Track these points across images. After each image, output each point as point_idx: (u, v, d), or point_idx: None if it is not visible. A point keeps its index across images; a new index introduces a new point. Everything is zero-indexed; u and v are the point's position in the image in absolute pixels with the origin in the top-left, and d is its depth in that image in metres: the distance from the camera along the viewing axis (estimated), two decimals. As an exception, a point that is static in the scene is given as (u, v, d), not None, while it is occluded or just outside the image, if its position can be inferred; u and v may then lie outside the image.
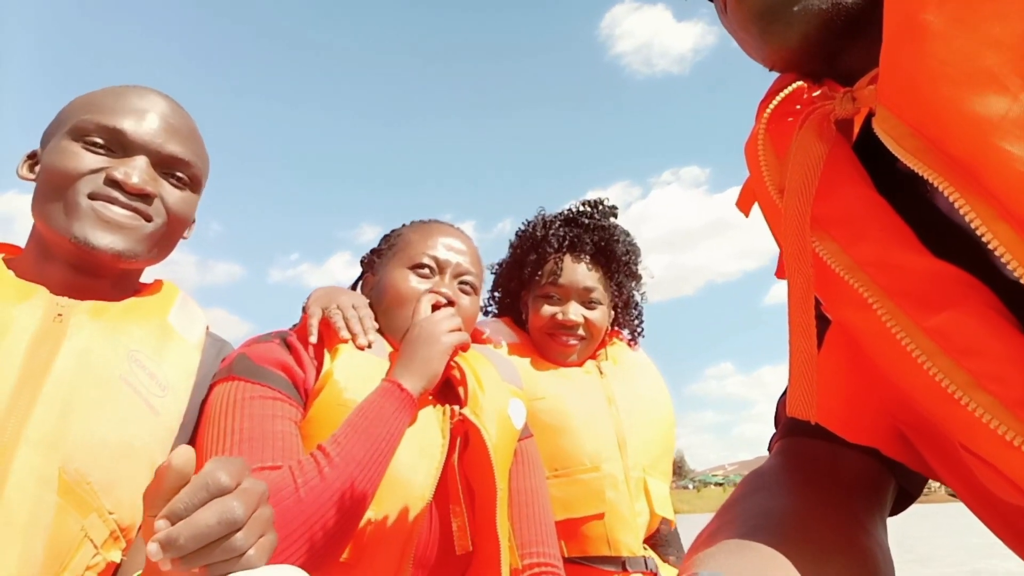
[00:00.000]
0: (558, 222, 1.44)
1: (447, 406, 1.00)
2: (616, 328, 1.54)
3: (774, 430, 0.63)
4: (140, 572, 0.63)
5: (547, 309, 1.40)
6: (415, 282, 1.05)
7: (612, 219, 1.47)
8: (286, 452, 0.85)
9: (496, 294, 1.56)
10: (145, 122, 0.86)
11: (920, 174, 0.38)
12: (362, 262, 1.20)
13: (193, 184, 0.92)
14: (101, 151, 0.83)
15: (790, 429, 0.58)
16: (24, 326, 0.75)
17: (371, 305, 1.08)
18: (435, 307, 1.03)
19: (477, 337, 1.36)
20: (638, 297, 1.54)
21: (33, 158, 0.86)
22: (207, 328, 0.97)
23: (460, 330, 1.00)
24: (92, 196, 0.81)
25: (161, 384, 0.83)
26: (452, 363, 1.07)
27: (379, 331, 1.05)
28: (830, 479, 0.52)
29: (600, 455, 1.30)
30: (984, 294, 0.39)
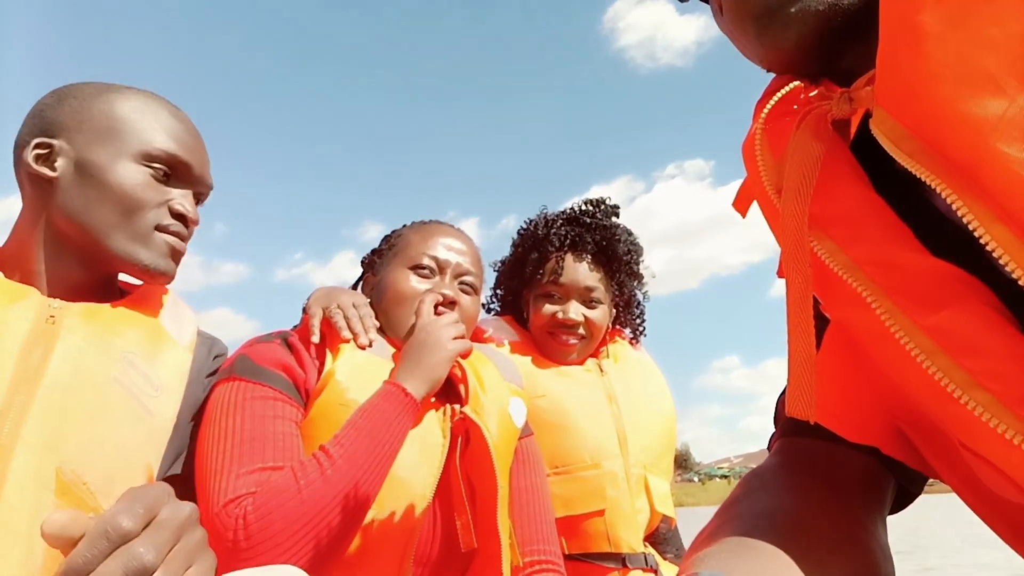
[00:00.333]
0: (560, 221, 1.44)
1: (448, 405, 1.00)
2: (617, 327, 1.54)
3: (773, 429, 0.63)
4: None
5: (548, 308, 1.40)
6: (416, 282, 1.05)
7: (614, 218, 1.47)
8: (287, 452, 0.85)
9: (498, 292, 1.56)
10: (198, 154, 0.91)
11: (917, 175, 0.38)
12: (363, 262, 1.20)
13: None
14: (161, 178, 0.87)
15: (789, 428, 0.58)
16: (16, 328, 0.76)
17: (372, 305, 1.08)
18: (437, 308, 1.03)
19: (479, 336, 1.37)
20: (640, 296, 1.54)
21: (46, 148, 0.84)
22: (198, 328, 0.98)
23: (463, 337, 1.01)
24: (161, 229, 0.86)
25: (155, 385, 0.83)
26: (454, 362, 1.07)
27: (380, 331, 1.05)
28: (830, 478, 0.52)
29: (601, 452, 1.30)
30: (983, 293, 0.39)
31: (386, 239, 1.18)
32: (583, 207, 1.48)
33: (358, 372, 0.95)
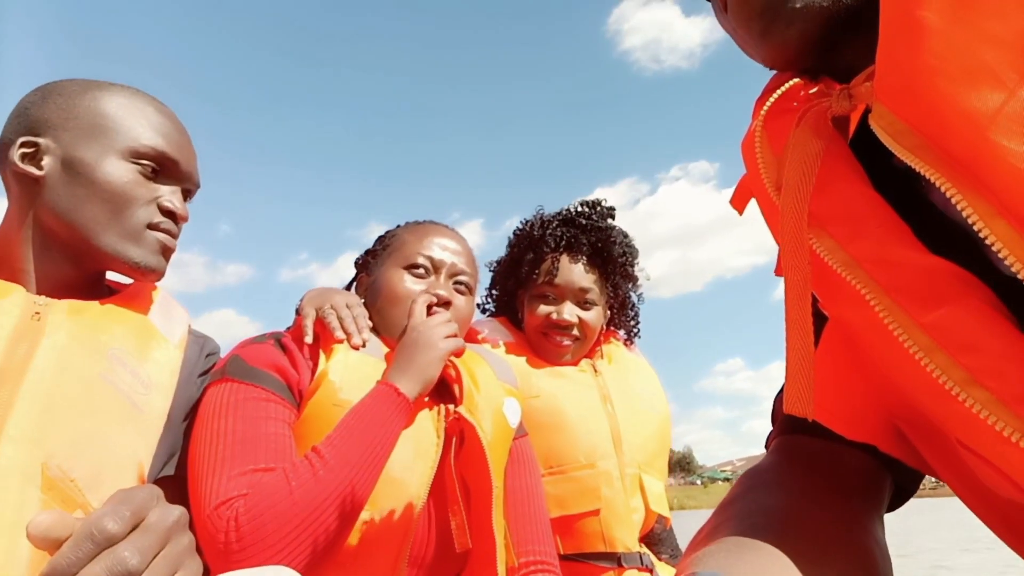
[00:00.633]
0: (556, 222, 1.44)
1: (442, 405, 1.00)
2: (612, 328, 1.54)
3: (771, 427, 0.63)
4: None
5: (542, 309, 1.40)
6: (410, 282, 1.05)
7: (610, 220, 1.47)
8: (279, 454, 0.85)
9: (493, 292, 1.56)
10: (186, 151, 0.91)
11: (918, 171, 0.38)
12: (356, 263, 1.20)
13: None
14: (150, 175, 0.86)
15: (787, 426, 0.58)
16: (1, 324, 0.75)
17: (366, 305, 1.08)
18: (430, 308, 1.03)
19: (473, 337, 1.37)
20: (635, 298, 1.55)
21: (32, 147, 0.83)
22: (189, 326, 0.97)
23: (455, 336, 1.00)
24: (151, 226, 0.86)
25: (144, 382, 0.82)
26: (447, 362, 1.06)
27: (374, 331, 1.05)
28: (828, 476, 0.52)
29: (595, 452, 1.30)
30: (981, 290, 0.39)
31: (380, 239, 1.18)
32: (579, 208, 1.47)
33: (351, 372, 0.94)
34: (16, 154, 0.82)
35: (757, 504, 0.50)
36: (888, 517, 0.56)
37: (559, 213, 1.48)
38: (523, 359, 1.40)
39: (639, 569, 1.27)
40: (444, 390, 1.07)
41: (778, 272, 0.56)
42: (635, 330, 1.57)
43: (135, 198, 0.84)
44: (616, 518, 1.27)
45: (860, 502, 0.52)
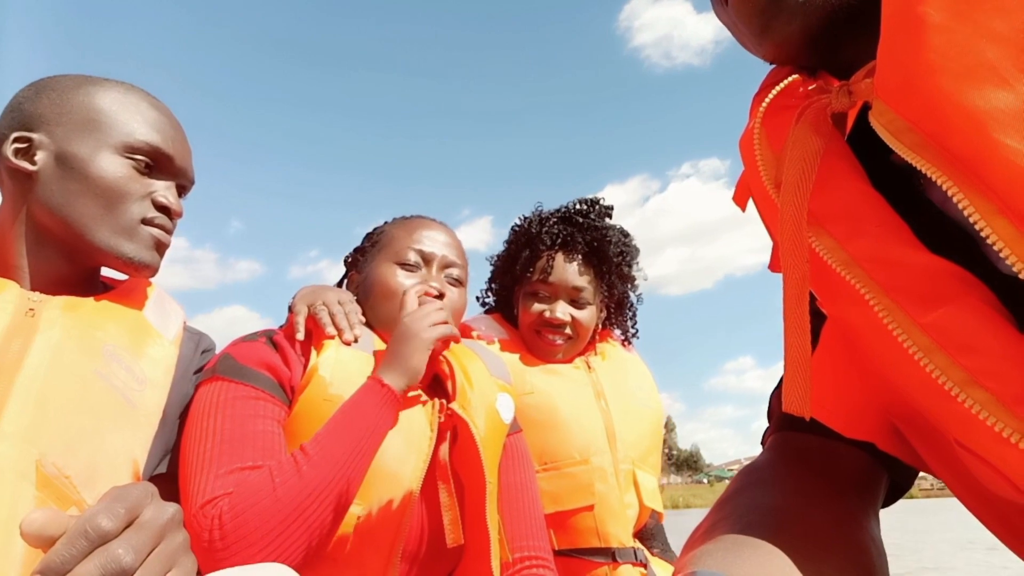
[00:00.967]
0: (553, 219, 1.43)
1: (435, 400, 1.00)
2: (607, 327, 1.54)
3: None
4: None
5: (536, 307, 1.40)
6: (402, 276, 1.05)
7: (607, 219, 1.46)
8: (267, 451, 0.84)
9: (492, 286, 1.56)
10: (180, 146, 0.90)
11: (919, 169, 0.37)
12: (346, 261, 1.20)
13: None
14: (144, 170, 0.86)
15: (784, 423, 0.58)
16: None
17: (359, 301, 1.08)
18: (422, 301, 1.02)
19: (467, 333, 1.37)
20: (633, 298, 1.54)
21: (26, 142, 0.82)
22: (184, 322, 0.97)
23: (447, 323, 0.99)
24: (146, 222, 0.85)
25: (139, 379, 0.82)
26: (440, 358, 1.06)
27: (369, 326, 1.05)
28: (825, 474, 0.52)
29: (589, 448, 1.30)
30: (981, 290, 0.38)
31: (368, 236, 1.17)
32: (577, 207, 1.47)
33: (342, 368, 0.94)
34: (9, 149, 0.81)
35: (754, 502, 0.50)
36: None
37: (557, 211, 1.47)
38: (517, 356, 1.40)
39: (633, 564, 1.27)
40: (437, 386, 1.07)
41: (773, 268, 0.57)
42: (632, 330, 1.57)
43: (129, 193, 0.84)
44: (610, 513, 1.27)
45: (856, 499, 0.52)
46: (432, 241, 1.09)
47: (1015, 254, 0.34)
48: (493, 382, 1.08)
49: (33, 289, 0.81)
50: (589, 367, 1.43)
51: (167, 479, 0.84)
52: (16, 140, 0.81)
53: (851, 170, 0.46)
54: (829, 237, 0.44)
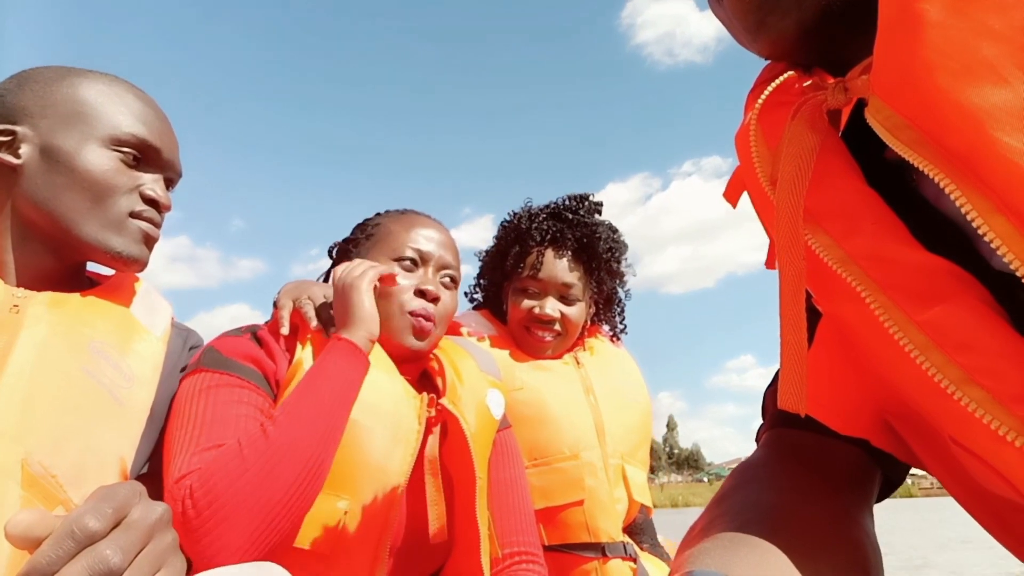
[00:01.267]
0: (543, 215, 1.43)
1: (424, 395, 0.99)
2: (596, 323, 1.54)
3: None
4: None
5: (525, 303, 1.40)
6: (399, 276, 1.03)
7: (596, 216, 1.46)
8: (247, 431, 0.81)
9: (481, 282, 1.56)
10: (168, 138, 0.88)
11: (916, 166, 0.37)
12: (331, 251, 1.18)
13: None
14: (131, 163, 0.84)
15: (778, 420, 0.58)
16: None
17: None
18: (417, 315, 1.02)
19: (456, 330, 1.37)
20: (621, 294, 1.54)
21: (9, 135, 0.80)
22: (172, 318, 0.96)
23: (373, 267, 0.98)
24: (134, 215, 0.84)
25: (126, 376, 0.80)
26: (432, 355, 1.06)
27: None
28: (819, 471, 0.52)
29: (579, 443, 1.30)
30: (976, 288, 0.38)
31: (361, 228, 1.15)
32: (566, 203, 1.47)
33: None
34: None
35: (750, 499, 0.50)
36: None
37: (547, 206, 1.47)
38: (507, 352, 1.39)
39: (623, 559, 1.27)
40: (427, 381, 1.07)
41: (769, 265, 0.56)
42: (620, 326, 1.57)
43: (116, 186, 0.82)
44: (600, 508, 1.27)
45: (850, 495, 0.52)
46: (429, 241, 1.07)
47: (1012, 251, 0.34)
48: (483, 378, 1.07)
49: (18, 285, 0.80)
50: (578, 363, 1.44)
51: (155, 479, 0.82)
52: (2, 134, 0.80)
53: (847, 167, 0.46)
54: (825, 234, 0.44)
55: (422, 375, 1.09)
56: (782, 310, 0.47)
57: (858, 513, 0.50)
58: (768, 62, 0.56)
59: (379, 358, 0.97)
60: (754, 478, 0.54)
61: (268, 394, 0.90)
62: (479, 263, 1.56)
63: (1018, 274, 0.34)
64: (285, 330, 0.96)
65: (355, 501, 0.87)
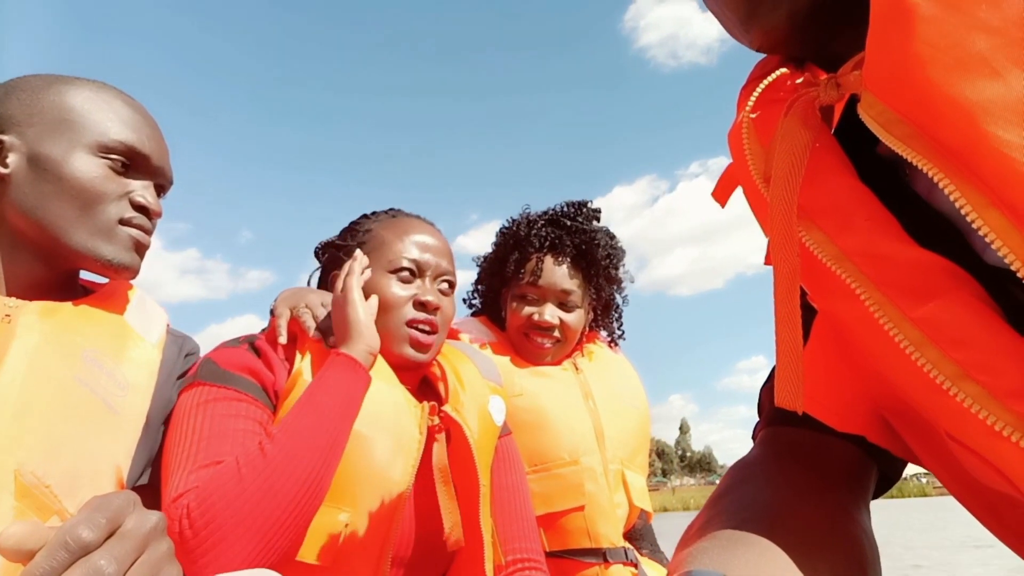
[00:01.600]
0: (542, 222, 1.43)
1: (425, 403, 0.98)
2: (594, 329, 1.54)
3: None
4: None
5: (525, 309, 1.40)
6: (397, 288, 1.01)
7: (595, 222, 1.47)
8: (245, 449, 0.80)
9: (479, 288, 1.56)
10: (157, 144, 0.87)
11: (909, 161, 0.37)
12: (318, 254, 1.15)
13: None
14: (120, 170, 0.84)
15: (774, 418, 0.58)
16: None
17: None
18: (417, 327, 1.01)
19: (455, 337, 1.36)
20: (619, 300, 1.54)
21: None
22: (168, 326, 0.95)
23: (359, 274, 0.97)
24: (124, 222, 0.83)
25: (120, 383, 0.80)
26: (434, 361, 1.06)
27: None
28: (816, 468, 0.52)
29: (578, 449, 1.30)
30: (970, 284, 0.38)
31: (351, 233, 1.11)
32: (565, 209, 1.47)
33: None
34: None
35: (747, 498, 0.50)
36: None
37: (545, 213, 1.47)
38: (506, 359, 1.40)
39: (624, 564, 1.27)
40: (429, 388, 1.06)
41: (767, 262, 0.56)
42: (618, 332, 1.57)
43: (105, 193, 0.82)
44: (600, 513, 1.27)
45: (847, 492, 0.52)
46: (425, 249, 1.05)
47: (1007, 246, 0.34)
48: (485, 384, 1.07)
49: (9, 295, 0.80)
50: (577, 368, 1.44)
51: (150, 489, 0.82)
52: None
53: (840, 164, 0.46)
54: (819, 231, 0.44)
55: (422, 381, 1.08)
56: (777, 307, 0.47)
57: (855, 509, 0.50)
58: (760, 59, 0.56)
59: (379, 367, 0.97)
60: (751, 476, 0.54)
61: (267, 406, 0.89)
62: (477, 268, 1.56)
63: (1013, 268, 0.34)
64: (283, 339, 0.95)
65: (356, 513, 0.86)
